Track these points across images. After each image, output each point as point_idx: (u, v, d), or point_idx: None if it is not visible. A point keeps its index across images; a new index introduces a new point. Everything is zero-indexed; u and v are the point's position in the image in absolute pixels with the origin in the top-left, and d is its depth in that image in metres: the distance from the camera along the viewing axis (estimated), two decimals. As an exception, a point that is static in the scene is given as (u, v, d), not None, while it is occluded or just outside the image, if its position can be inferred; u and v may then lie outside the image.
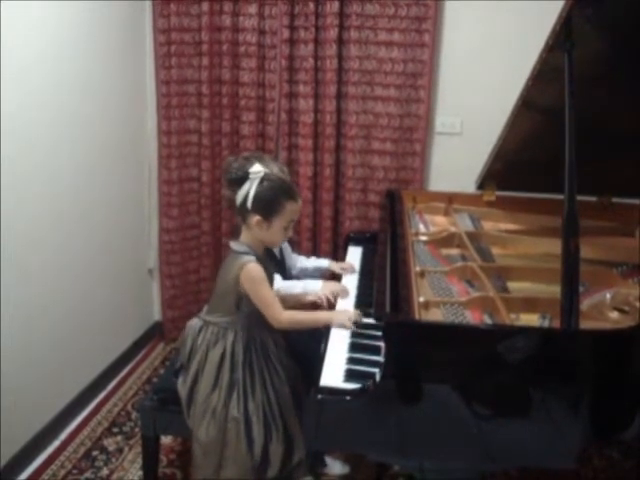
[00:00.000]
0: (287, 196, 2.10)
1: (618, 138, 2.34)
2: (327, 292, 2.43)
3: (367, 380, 1.82)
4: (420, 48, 3.25)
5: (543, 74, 2.11)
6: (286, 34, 3.32)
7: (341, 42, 3.30)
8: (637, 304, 2.09)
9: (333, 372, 1.96)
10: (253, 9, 3.35)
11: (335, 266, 2.83)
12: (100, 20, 3.09)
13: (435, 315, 2.03)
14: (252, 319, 2.15)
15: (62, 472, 2.74)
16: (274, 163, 2.15)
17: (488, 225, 2.88)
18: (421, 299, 2.04)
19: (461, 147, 3.38)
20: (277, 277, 2.53)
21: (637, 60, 1.98)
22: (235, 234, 2.23)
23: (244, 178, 2.06)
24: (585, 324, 1.82)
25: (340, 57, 3.31)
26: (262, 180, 2.06)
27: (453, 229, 2.70)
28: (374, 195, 3.46)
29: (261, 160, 2.10)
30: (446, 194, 3.06)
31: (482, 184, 2.96)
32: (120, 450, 2.90)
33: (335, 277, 2.81)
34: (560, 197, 1.88)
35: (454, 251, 2.58)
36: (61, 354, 2.97)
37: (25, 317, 2.69)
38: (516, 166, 2.70)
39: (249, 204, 2.07)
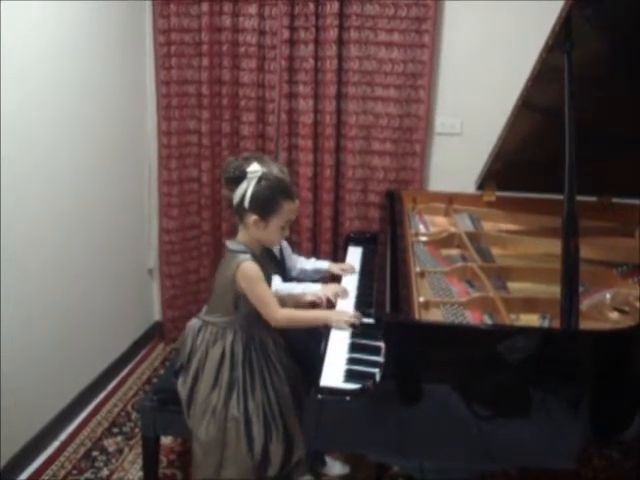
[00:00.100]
0: (284, 195, 2.10)
1: (618, 138, 2.34)
2: (328, 291, 2.43)
3: (367, 380, 1.82)
4: (420, 48, 3.25)
5: (543, 74, 2.11)
6: (286, 35, 3.32)
7: (341, 43, 3.30)
8: (637, 304, 2.09)
9: (333, 372, 1.95)
10: (253, 10, 3.35)
11: (335, 267, 2.83)
12: (100, 20, 3.09)
13: (435, 315, 2.03)
14: (251, 319, 2.16)
15: (62, 472, 2.74)
16: (274, 163, 2.15)
17: (488, 225, 2.88)
18: (421, 299, 2.03)
19: (461, 147, 3.39)
20: (277, 278, 2.54)
21: (637, 60, 1.98)
22: (234, 234, 2.23)
23: (242, 177, 2.06)
24: (585, 324, 1.82)
25: (340, 58, 3.31)
26: (259, 179, 2.06)
27: (453, 229, 2.70)
28: (374, 195, 3.47)
29: (261, 160, 2.10)
30: (446, 194, 3.06)
31: (482, 184, 2.96)
32: (120, 451, 2.90)
33: (335, 278, 2.81)
34: (560, 197, 1.88)
35: (454, 251, 2.58)
36: (61, 354, 2.97)
37: (25, 317, 2.69)
38: (516, 166, 2.70)
39: (246, 203, 2.07)
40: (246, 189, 2.06)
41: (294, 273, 2.80)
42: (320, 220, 3.56)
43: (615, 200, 2.90)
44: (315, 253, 3.49)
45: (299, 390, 2.24)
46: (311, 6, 3.26)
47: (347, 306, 2.40)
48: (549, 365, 1.78)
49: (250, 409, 2.13)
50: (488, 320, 2.00)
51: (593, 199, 2.88)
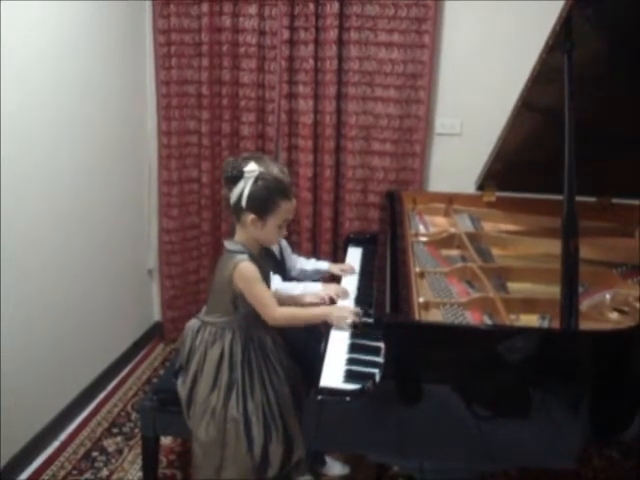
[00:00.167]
0: (282, 195, 2.10)
1: (618, 138, 2.33)
2: (328, 291, 2.43)
3: (367, 381, 1.82)
4: (420, 49, 3.25)
5: (543, 74, 2.11)
6: (286, 35, 3.32)
7: (341, 43, 3.30)
8: (637, 305, 2.09)
9: (333, 373, 1.95)
10: (253, 10, 3.35)
11: (335, 268, 2.83)
12: (100, 20, 3.09)
13: (435, 316, 2.02)
14: (249, 319, 2.15)
15: (62, 473, 2.74)
16: (274, 164, 2.15)
17: (488, 226, 2.88)
18: (421, 300, 2.03)
19: (461, 148, 3.39)
20: (277, 278, 2.54)
21: (637, 60, 1.98)
22: (233, 234, 2.23)
23: (239, 177, 2.06)
24: (585, 325, 1.82)
25: (340, 58, 3.31)
26: (257, 179, 2.06)
27: (453, 230, 2.70)
28: (374, 196, 3.47)
29: (261, 160, 2.10)
30: (446, 195, 3.06)
31: (482, 185, 2.96)
32: (120, 451, 2.90)
33: (335, 278, 2.80)
34: (560, 198, 1.88)
35: (454, 252, 2.58)
36: (61, 354, 2.97)
37: (25, 317, 2.69)
38: (516, 166, 2.70)
39: (243, 203, 2.07)
40: (243, 188, 2.06)
41: (294, 273, 2.80)
42: (320, 221, 3.56)
43: (615, 200, 2.90)
44: (315, 254, 3.49)
45: (299, 390, 2.24)
46: (311, 6, 3.26)
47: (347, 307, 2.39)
48: (549, 365, 1.78)
49: (249, 409, 2.13)
50: (488, 320, 2.00)
51: (593, 199, 2.88)
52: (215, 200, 3.63)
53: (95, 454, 2.87)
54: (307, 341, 2.34)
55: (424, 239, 2.63)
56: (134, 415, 3.13)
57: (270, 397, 2.16)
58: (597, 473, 2.79)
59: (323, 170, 3.47)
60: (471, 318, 2.01)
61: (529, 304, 2.08)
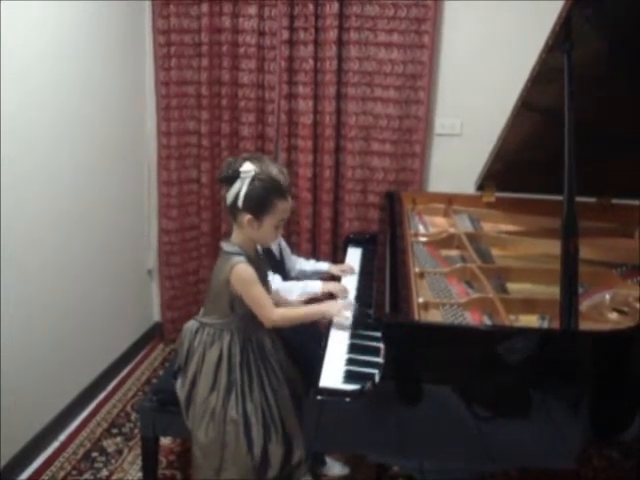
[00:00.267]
0: (278, 195, 2.09)
1: (618, 138, 2.33)
2: (328, 289, 2.44)
3: (366, 381, 1.82)
4: (420, 49, 3.25)
5: (543, 74, 2.11)
6: (286, 35, 3.32)
7: (341, 43, 3.30)
8: (636, 305, 2.09)
9: (332, 373, 1.95)
10: (253, 10, 3.36)
11: (334, 269, 2.83)
12: (100, 21, 3.09)
13: (434, 316, 2.02)
14: (247, 320, 2.15)
15: (62, 473, 2.74)
16: (273, 164, 2.14)
17: (488, 226, 2.88)
18: (420, 300, 2.03)
19: (461, 148, 3.39)
20: (277, 278, 2.54)
21: (637, 60, 1.98)
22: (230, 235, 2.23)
23: (235, 177, 2.06)
24: (584, 325, 1.82)
25: (340, 58, 3.31)
26: (253, 179, 2.05)
27: (452, 230, 2.70)
28: (374, 196, 3.47)
29: (260, 161, 2.10)
30: (446, 195, 3.05)
31: (482, 185, 2.96)
32: (120, 451, 2.90)
33: (335, 279, 2.80)
34: (560, 198, 1.88)
35: (454, 252, 2.58)
36: (61, 354, 2.97)
37: (25, 317, 2.69)
38: (516, 167, 2.69)
39: (240, 203, 2.06)
40: (239, 189, 2.06)
41: (293, 274, 2.80)
42: (319, 221, 3.56)
43: (615, 201, 2.90)
44: (314, 254, 3.49)
45: (298, 391, 2.24)
46: (311, 7, 3.26)
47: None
48: (549, 366, 1.78)
49: (249, 411, 2.13)
50: (487, 321, 2.00)
51: (593, 200, 2.88)
52: (215, 201, 3.62)
53: (95, 454, 2.87)
54: (306, 342, 2.34)
55: (424, 239, 2.63)
56: (134, 415, 3.13)
57: (269, 398, 2.16)
58: (597, 473, 2.80)
59: (323, 170, 3.47)
60: (471, 318, 2.01)
61: (529, 304, 2.08)
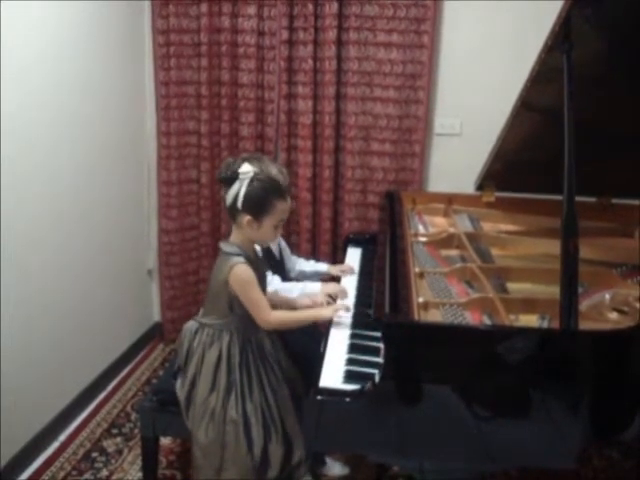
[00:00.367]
0: (277, 195, 2.09)
1: (618, 138, 2.33)
2: (327, 291, 2.44)
3: (366, 381, 1.82)
4: (419, 49, 3.25)
5: (542, 74, 2.11)
6: (285, 35, 3.32)
7: (340, 43, 3.30)
8: (636, 305, 2.09)
9: (332, 373, 1.95)
10: (252, 10, 3.35)
11: (334, 269, 2.82)
12: (100, 21, 3.09)
13: (434, 316, 2.02)
14: (246, 321, 2.15)
15: (62, 473, 2.74)
16: (273, 164, 2.14)
17: (487, 226, 2.88)
18: (420, 300, 2.03)
19: (460, 148, 3.39)
20: (276, 278, 2.54)
21: (637, 60, 1.98)
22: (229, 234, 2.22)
23: (234, 178, 2.06)
24: (584, 325, 1.82)
25: (339, 58, 3.31)
26: (252, 180, 2.05)
27: (452, 230, 2.70)
28: (373, 196, 3.47)
29: (259, 161, 2.10)
30: (445, 195, 3.05)
31: (481, 185, 2.96)
32: (120, 451, 2.90)
33: (334, 279, 2.80)
34: (559, 198, 1.88)
35: (453, 252, 2.58)
36: (61, 354, 2.97)
37: (25, 317, 2.69)
38: (515, 167, 2.70)
39: (239, 204, 2.06)
40: (239, 190, 2.05)
41: (293, 275, 2.80)
42: (319, 221, 3.56)
43: (615, 201, 2.90)
44: (314, 254, 3.49)
45: (298, 391, 2.24)
46: (310, 7, 3.26)
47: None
48: (548, 366, 1.78)
49: (248, 411, 2.13)
50: (487, 321, 2.00)
51: (593, 200, 2.88)
52: (214, 201, 3.62)
53: (95, 455, 2.87)
54: (306, 342, 2.34)
55: (423, 239, 2.63)
56: (134, 415, 3.13)
57: (269, 398, 2.16)
58: (597, 473, 2.80)
59: (322, 170, 3.47)
60: (470, 318, 2.01)
61: (528, 304, 2.08)
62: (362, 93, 3.35)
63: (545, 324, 2.01)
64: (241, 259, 2.09)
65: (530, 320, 2.03)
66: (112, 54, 3.25)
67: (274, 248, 2.67)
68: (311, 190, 3.50)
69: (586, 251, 2.19)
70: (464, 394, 1.78)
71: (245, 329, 2.16)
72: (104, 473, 2.75)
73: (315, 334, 2.39)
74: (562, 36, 1.91)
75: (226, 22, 3.37)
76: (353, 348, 2.09)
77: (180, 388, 2.23)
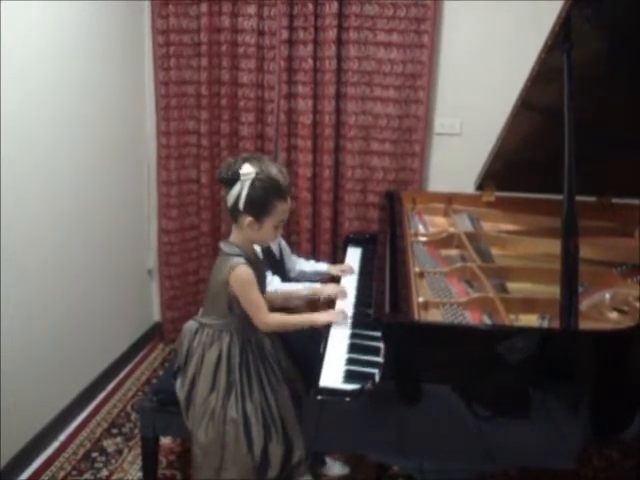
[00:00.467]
0: (278, 196, 2.09)
1: (618, 138, 2.33)
2: (327, 292, 2.44)
3: (367, 381, 1.82)
4: (419, 49, 3.25)
5: (542, 74, 2.11)
6: (285, 35, 3.32)
7: (340, 43, 3.30)
8: (636, 304, 2.09)
9: (332, 373, 1.95)
10: (252, 10, 3.35)
11: (334, 269, 2.82)
12: (99, 21, 3.09)
13: (434, 316, 2.02)
14: (246, 321, 2.15)
15: (62, 473, 2.74)
16: (273, 164, 2.13)
17: (487, 226, 2.88)
18: (420, 300, 2.03)
19: (460, 148, 3.39)
20: (276, 278, 2.54)
21: (637, 60, 1.98)
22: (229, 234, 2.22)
23: (235, 179, 2.06)
24: (584, 324, 1.82)
25: (339, 58, 3.31)
26: (253, 181, 2.05)
27: (452, 230, 2.70)
28: (373, 196, 3.47)
29: (260, 161, 2.09)
30: (445, 195, 3.05)
31: (481, 185, 2.96)
32: (120, 451, 2.90)
33: (334, 279, 2.80)
34: (559, 197, 1.88)
35: (453, 252, 2.58)
36: (61, 354, 2.97)
37: (25, 317, 2.69)
38: (515, 166, 2.70)
39: (241, 206, 2.06)
40: (240, 191, 2.05)
41: (293, 275, 2.80)
42: (319, 221, 3.56)
43: (615, 200, 2.89)
44: (314, 254, 3.49)
45: (298, 391, 2.24)
46: (310, 6, 3.26)
47: (346, 307, 2.39)
48: (549, 365, 1.78)
49: (248, 411, 2.13)
50: (487, 320, 2.00)
51: (593, 199, 2.88)
52: (214, 201, 3.62)
53: (95, 455, 2.87)
54: (306, 342, 2.34)
55: (423, 239, 2.63)
56: (134, 415, 3.13)
57: (269, 398, 2.16)
58: (597, 473, 2.80)
59: (322, 170, 3.47)
60: (471, 318, 2.01)
61: (529, 304, 2.08)
62: (362, 93, 3.35)
63: (545, 324, 2.01)
64: (241, 260, 2.09)
65: (530, 320, 2.03)
66: (112, 54, 3.25)
67: (274, 248, 2.67)
68: (311, 190, 3.50)
69: (586, 251, 2.19)
70: (464, 394, 1.78)
71: (245, 329, 2.16)
72: (104, 473, 2.75)
73: (315, 334, 2.39)
74: (562, 36, 1.91)
75: (226, 22, 3.37)
76: (353, 348, 2.08)
77: (180, 388, 2.23)
